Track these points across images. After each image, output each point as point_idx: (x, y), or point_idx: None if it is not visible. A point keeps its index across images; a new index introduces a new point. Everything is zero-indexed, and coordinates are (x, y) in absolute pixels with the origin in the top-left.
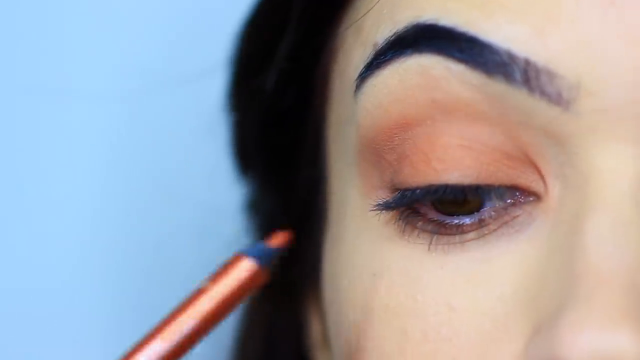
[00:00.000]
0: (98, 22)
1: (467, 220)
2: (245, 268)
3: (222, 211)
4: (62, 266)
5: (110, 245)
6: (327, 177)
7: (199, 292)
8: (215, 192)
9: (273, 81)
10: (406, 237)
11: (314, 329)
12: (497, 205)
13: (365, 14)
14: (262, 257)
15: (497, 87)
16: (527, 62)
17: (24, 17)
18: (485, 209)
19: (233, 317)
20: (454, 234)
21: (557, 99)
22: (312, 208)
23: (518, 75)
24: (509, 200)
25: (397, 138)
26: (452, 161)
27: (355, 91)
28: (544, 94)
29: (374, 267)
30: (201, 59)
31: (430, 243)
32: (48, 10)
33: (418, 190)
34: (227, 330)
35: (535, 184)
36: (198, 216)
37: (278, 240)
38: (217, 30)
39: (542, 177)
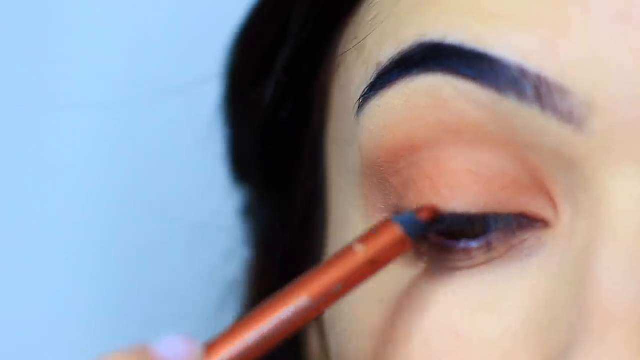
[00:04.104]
0: (92, 31)
1: (474, 244)
2: (394, 234)
3: (218, 220)
4: (57, 274)
5: (105, 253)
6: (327, 192)
7: (346, 252)
8: (211, 201)
9: (271, 94)
10: (412, 262)
11: (313, 341)
12: (504, 228)
13: (368, 35)
14: (411, 227)
15: (507, 104)
16: (539, 78)
17: (21, 25)
18: (492, 232)
19: None
20: (461, 260)
21: (569, 117)
22: (311, 221)
23: (530, 92)
24: (516, 226)
25: (402, 161)
26: (460, 188)
27: (358, 111)
28: (556, 111)
29: (380, 292)
30: (197, 66)
31: (437, 268)
32: (44, 18)
33: None
34: None
35: (544, 211)
36: (194, 225)
37: (427, 213)
38: (213, 38)
39: (552, 201)
